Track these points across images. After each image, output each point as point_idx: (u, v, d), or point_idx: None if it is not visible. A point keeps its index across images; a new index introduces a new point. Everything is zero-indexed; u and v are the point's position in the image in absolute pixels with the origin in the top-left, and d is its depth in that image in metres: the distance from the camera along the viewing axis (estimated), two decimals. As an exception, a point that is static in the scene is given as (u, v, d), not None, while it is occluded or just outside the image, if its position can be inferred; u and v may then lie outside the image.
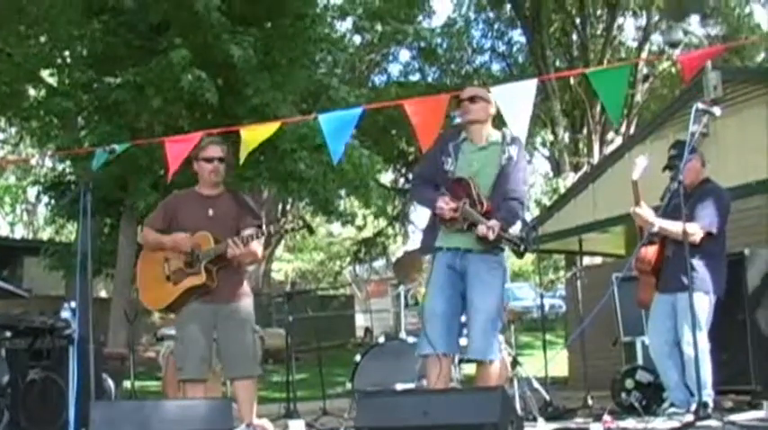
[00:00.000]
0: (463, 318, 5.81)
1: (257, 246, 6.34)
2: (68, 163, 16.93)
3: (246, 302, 6.43)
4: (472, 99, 5.69)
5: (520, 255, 5.30)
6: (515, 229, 5.36)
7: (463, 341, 6.04)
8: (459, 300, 5.54)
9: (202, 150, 6.46)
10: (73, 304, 6.49)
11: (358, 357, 8.07)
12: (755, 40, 25.91)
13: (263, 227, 6.37)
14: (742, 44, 25.59)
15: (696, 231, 6.47)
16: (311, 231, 7.15)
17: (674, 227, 6.37)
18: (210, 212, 6.34)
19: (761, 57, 28.70)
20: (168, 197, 6.78)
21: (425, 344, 5.44)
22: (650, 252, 6.91)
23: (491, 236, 5.22)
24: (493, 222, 5.26)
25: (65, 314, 6.64)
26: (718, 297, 6.67)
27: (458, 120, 5.79)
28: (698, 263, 6.45)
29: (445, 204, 5.41)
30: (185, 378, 6.25)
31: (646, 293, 7.01)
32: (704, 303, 6.52)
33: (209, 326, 6.24)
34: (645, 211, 6.66)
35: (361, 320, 29.68)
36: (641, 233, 6.94)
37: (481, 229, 5.26)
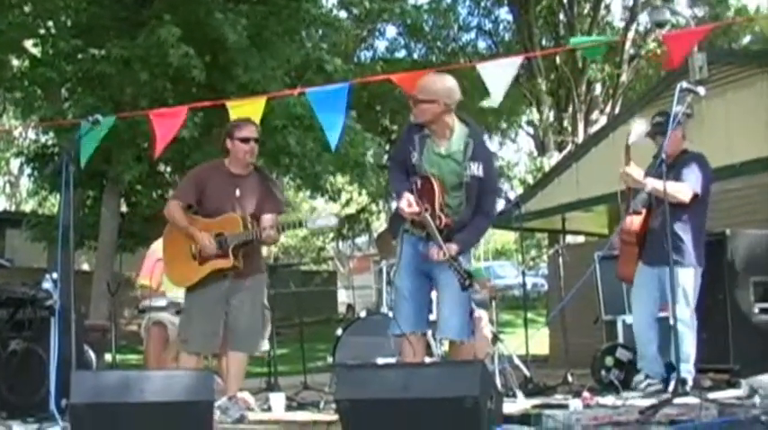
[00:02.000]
0: (433, 294, 5.86)
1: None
2: (52, 134, 16.86)
3: (260, 278, 6.47)
4: (415, 101, 5.42)
5: (463, 287, 5.12)
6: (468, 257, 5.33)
7: (432, 316, 6.09)
8: (426, 279, 5.52)
9: (238, 129, 6.38)
10: (54, 275, 6.46)
11: (339, 331, 8.10)
12: (742, 21, 25.95)
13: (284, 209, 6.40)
14: (728, 24, 25.63)
15: (685, 189, 6.50)
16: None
17: (671, 187, 6.35)
18: (237, 193, 6.31)
19: (747, 39, 28.78)
20: (197, 168, 6.74)
21: (396, 325, 5.48)
22: (635, 222, 6.93)
23: (441, 258, 5.13)
24: (450, 246, 5.14)
25: (46, 285, 6.61)
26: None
27: None
28: (684, 235, 6.47)
29: (407, 206, 5.24)
30: (192, 351, 6.26)
31: (628, 267, 7.03)
32: (692, 277, 6.58)
33: (220, 301, 6.25)
34: (635, 172, 6.68)
35: (343, 296, 29.70)
36: (628, 201, 6.96)
37: (432, 252, 5.17)
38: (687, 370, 6.33)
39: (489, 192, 5.48)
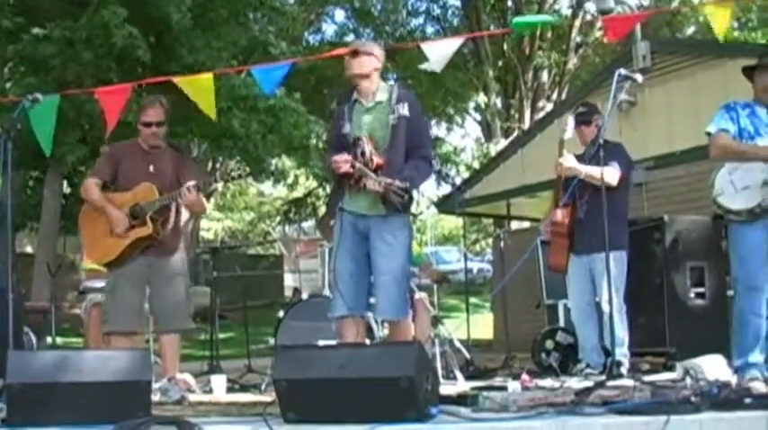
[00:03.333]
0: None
1: (203, 198, 6.36)
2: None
3: (180, 257, 6.46)
4: (354, 53, 5.57)
5: (406, 205, 5.28)
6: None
7: (372, 299, 6.15)
8: (367, 260, 5.54)
9: (143, 112, 6.40)
10: (-7, 255, 6.39)
11: (281, 313, 8.11)
12: (681, 9, 26.27)
13: (210, 178, 6.40)
14: (670, 11, 25.92)
15: (613, 172, 6.63)
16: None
17: (599, 173, 6.54)
18: (151, 168, 6.34)
19: (691, 29, 29.10)
20: (112, 147, 6.79)
21: (338, 306, 5.49)
22: (565, 214, 7.05)
23: (377, 188, 5.24)
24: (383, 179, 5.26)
25: (-17, 265, 6.55)
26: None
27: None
28: (610, 222, 6.61)
29: (340, 157, 5.38)
30: (113, 330, 6.25)
31: (560, 257, 7.14)
32: (618, 261, 6.70)
33: (141, 279, 6.26)
34: (570, 161, 6.83)
35: (289, 280, 29.65)
36: (558, 197, 7.09)
37: (369, 183, 5.26)
38: (622, 353, 6.45)
39: (419, 133, 5.59)
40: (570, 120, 6.95)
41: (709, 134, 5.91)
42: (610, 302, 6.20)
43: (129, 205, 6.20)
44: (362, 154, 5.38)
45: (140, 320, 6.38)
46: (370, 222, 5.46)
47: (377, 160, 5.37)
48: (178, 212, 6.37)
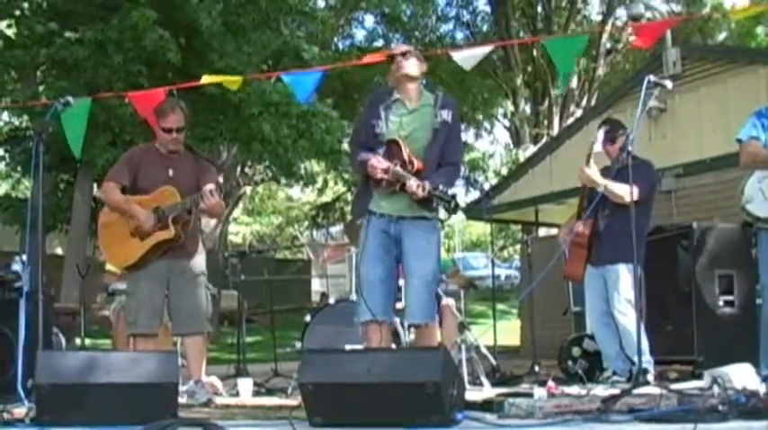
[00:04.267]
0: (401, 282, 5.90)
1: (222, 200, 6.39)
2: (26, 117, 16.75)
3: (200, 259, 6.46)
4: (404, 54, 5.58)
5: (452, 211, 5.29)
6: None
7: (399, 304, 6.15)
8: (395, 264, 5.57)
9: (163, 118, 6.38)
10: (24, 257, 6.46)
11: (308, 318, 8.13)
12: (711, 15, 26.12)
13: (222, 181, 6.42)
14: (700, 17, 25.78)
15: (629, 192, 6.63)
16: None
17: (619, 189, 6.54)
18: (171, 173, 6.34)
19: (723, 36, 28.95)
20: (130, 151, 6.74)
21: (365, 312, 5.47)
22: (587, 226, 7.04)
23: (421, 192, 5.22)
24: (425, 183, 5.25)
25: (15, 267, 6.63)
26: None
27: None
28: (627, 237, 6.58)
29: (377, 163, 5.35)
30: (136, 332, 6.28)
31: (576, 267, 7.14)
32: (632, 274, 6.68)
33: (161, 281, 6.27)
34: (594, 172, 6.82)
35: (317, 285, 29.71)
36: (582, 207, 7.08)
37: (411, 186, 5.24)
38: (646, 360, 6.42)
39: (456, 140, 5.71)
40: (600, 134, 6.94)
41: (739, 141, 5.88)
42: (638, 312, 6.14)
43: (150, 208, 6.22)
44: (400, 157, 5.36)
45: (161, 322, 6.40)
46: (402, 225, 5.47)
47: (417, 164, 5.37)
48: (198, 215, 6.40)
